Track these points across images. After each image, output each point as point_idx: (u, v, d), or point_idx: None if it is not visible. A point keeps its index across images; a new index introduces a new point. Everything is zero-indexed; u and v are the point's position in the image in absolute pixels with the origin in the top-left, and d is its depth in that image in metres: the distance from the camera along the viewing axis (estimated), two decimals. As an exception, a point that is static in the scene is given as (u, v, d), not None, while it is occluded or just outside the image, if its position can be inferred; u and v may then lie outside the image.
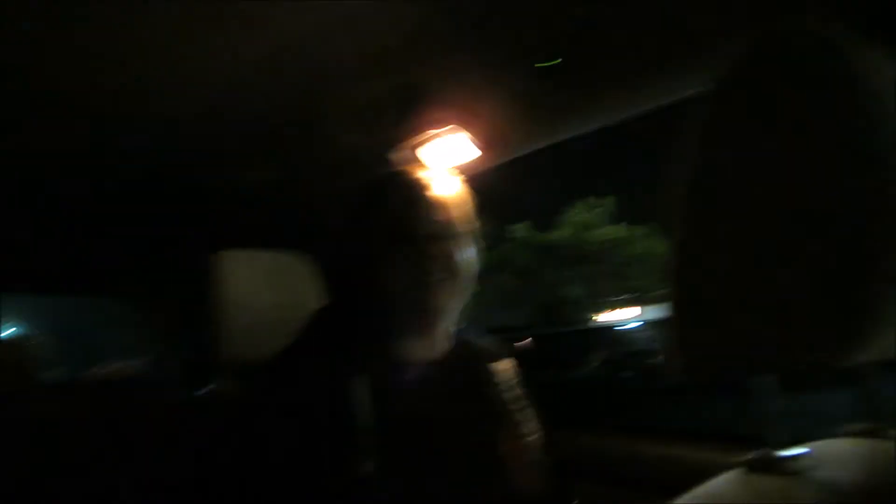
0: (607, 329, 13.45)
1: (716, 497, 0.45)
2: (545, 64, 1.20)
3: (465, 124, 1.49)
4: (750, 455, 0.50)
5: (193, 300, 1.37)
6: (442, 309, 1.03)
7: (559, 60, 1.19)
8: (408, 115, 1.52)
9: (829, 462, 0.49)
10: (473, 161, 1.58)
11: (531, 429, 1.11)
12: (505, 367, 1.15)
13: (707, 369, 0.49)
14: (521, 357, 1.19)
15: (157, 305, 3.04)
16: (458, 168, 1.62)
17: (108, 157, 1.64)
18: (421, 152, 1.59)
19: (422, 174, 1.10)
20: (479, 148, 1.54)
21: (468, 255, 1.07)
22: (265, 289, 1.39)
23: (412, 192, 1.06)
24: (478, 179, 1.71)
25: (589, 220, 19.84)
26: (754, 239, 0.44)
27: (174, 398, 1.38)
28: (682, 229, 0.47)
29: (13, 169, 1.65)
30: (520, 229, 20.09)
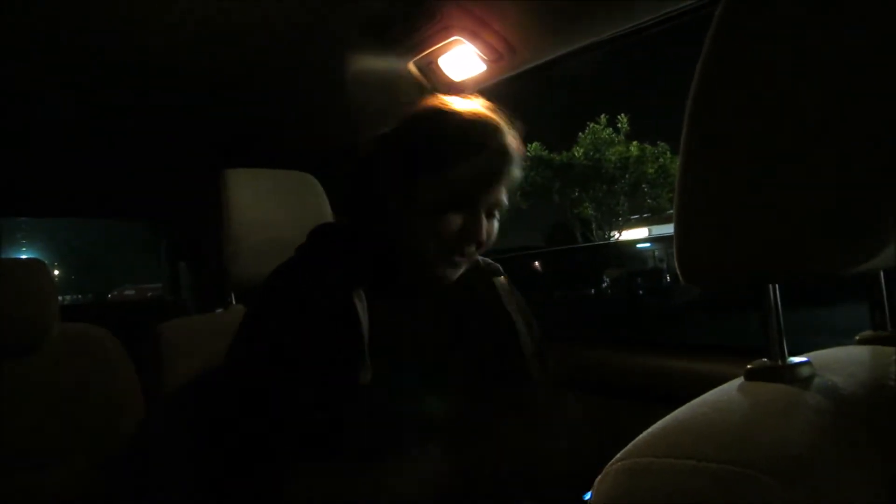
0: (620, 247, 13.48)
1: (714, 406, 0.45)
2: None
3: (471, 37, 1.44)
4: (749, 365, 0.50)
5: (205, 220, 1.37)
6: (457, 274, 1.01)
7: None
8: (414, 28, 1.47)
9: (831, 370, 0.50)
10: (481, 75, 1.54)
11: (536, 343, 1.13)
12: (505, 283, 1.17)
13: (715, 279, 0.49)
14: (534, 275, 1.20)
15: (171, 226, 3.07)
16: (465, 82, 1.59)
17: (123, 77, 1.61)
18: (431, 66, 1.56)
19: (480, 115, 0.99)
20: (486, 62, 1.49)
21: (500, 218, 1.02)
22: (273, 207, 1.40)
23: (483, 144, 0.95)
24: (486, 95, 1.69)
25: (602, 140, 19.53)
26: (763, 147, 0.42)
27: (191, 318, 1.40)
28: (690, 138, 0.46)
29: (27, 91, 1.63)
30: (532, 149, 19.85)
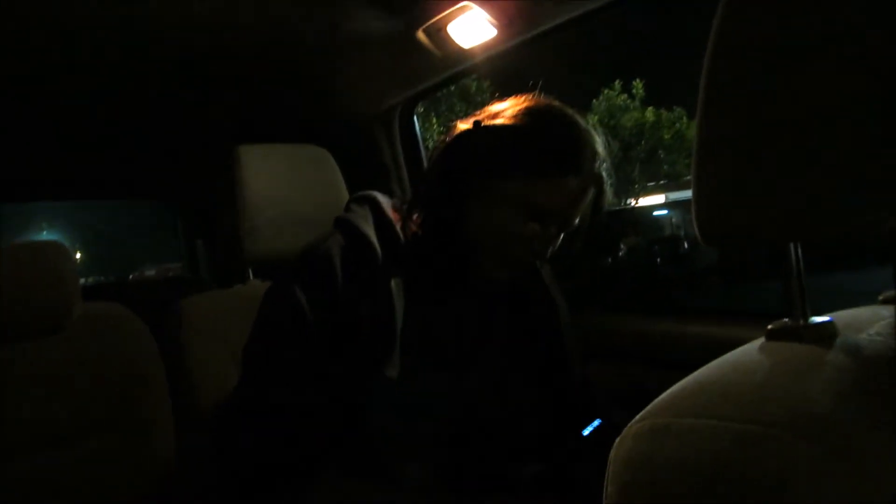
0: (637, 213, 13.37)
1: (735, 366, 0.45)
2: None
3: (481, 0, 1.41)
4: (770, 325, 0.49)
5: (219, 197, 1.37)
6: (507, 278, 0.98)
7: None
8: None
9: (854, 329, 0.49)
10: (491, 41, 1.52)
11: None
12: (549, 270, 1.14)
13: (735, 239, 0.48)
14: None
15: (187, 205, 3.09)
16: (474, 49, 1.56)
17: (136, 57, 1.61)
18: (440, 34, 1.53)
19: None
20: (496, 26, 1.47)
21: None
22: (287, 181, 1.39)
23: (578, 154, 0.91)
24: (496, 62, 1.67)
25: (617, 106, 19.25)
26: (783, 104, 0.41)
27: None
28: (709, 97, 0.45)
29: (39, 75, 1.64)
30: (546, 117, 19.63)
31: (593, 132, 0.94)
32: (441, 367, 0.93)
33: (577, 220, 0.95)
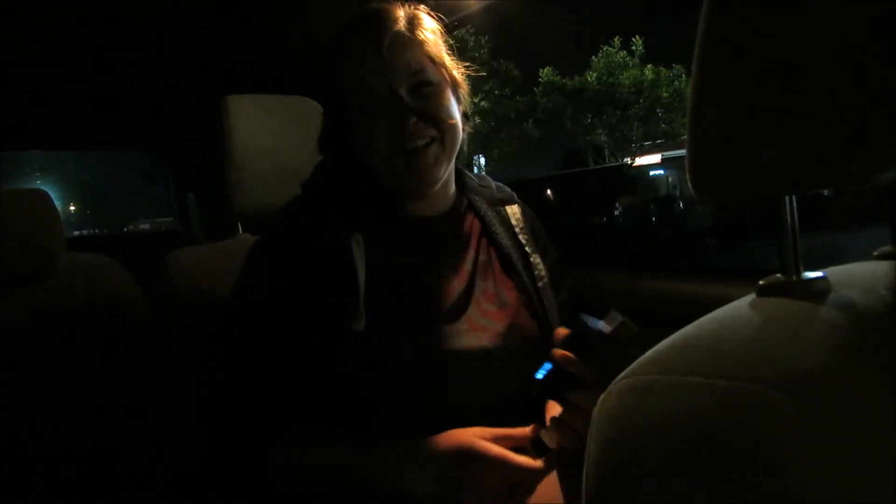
0: (634, 172, 13.33)
1: (723, 322, 0.44)
2: None
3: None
4: (762, 281, 0.48)
5: (208, 149, 1.35)
6: (429, 165, 0.95)
7: None
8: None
9: (848, 285, 0.48)
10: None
11: (551, 270, 1.10)
12: (517, 210, 1.13)
13: (729, 192, 0.47)
14: (546, 202, 1.16)
15: (177, 157, 3.05)
16: (470, 2, 1.52)
17: (122, 8, 1.57)
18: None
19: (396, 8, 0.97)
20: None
21: (451, 102, 0.98)
22: (276, 133, 1.37)
23: (390, 36, 0.92)
24: (494, 16, 1.62)
25: (616, 63, 19.00)
26: (777, 54, 0.39)
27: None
28: (704, 47, 0.43)
29: (30, 27, 1.60)
30: (545, 74, 19.38)
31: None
32: (404, 317, 0.93)
33: (409, 67, 0.93)
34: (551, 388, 0.86)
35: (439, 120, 0.94)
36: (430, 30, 0.98)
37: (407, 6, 0.98)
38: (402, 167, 0.94)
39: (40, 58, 1.84)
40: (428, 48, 0.95)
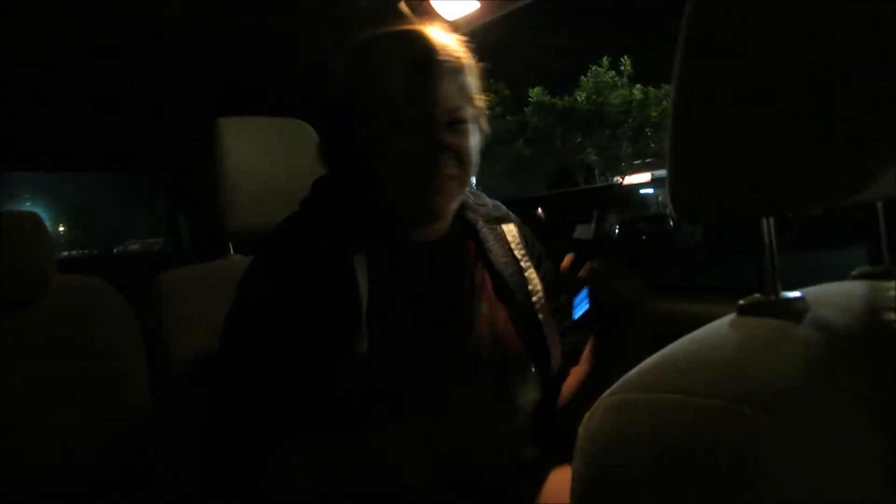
0: (624, 191, 13.39)
1: (703, 341, 0.45)
2: None
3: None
4: (742, 300, 0.49)
5: (202, 171, 1.35)
6: (447, 201, 0.96)
7: None
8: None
9: (825, 305, 0.49)
10: (475, 13, 1.49)
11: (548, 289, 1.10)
12: (513, 230, 1.13)
13: (709, 212, 0.48)
14: (538, 221, 1.17)
15: (168, 179, 3.05)
16: (458, 21, 1.54)
17: (115, 29, 1.58)
18: (423, 5, 1.51)
19: (426, 36, 0.93)
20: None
21: (476, 138, 0.97)
22: (268, 155, 1.38)
23: (422, 63, 0.89)
24: (482, 37, 1.64)
25: (605, 83, 19.15)
26: (756, 78, 0.41)
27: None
28: (684, 70, 0.44)
29: (21, 46, 1.60)
30: (535, 93, 19.50)
31: (395, 29, 0.95)
32: (407, 336, 0.93)
33: (451, 108, 0.91)
34: (597, 308, 0.90)
35: (468, 161, 0.94)
36: (468, 63, 0.96)
37: (437, 29, 0.96)
38: (420, 197, 0.93)
39: (30, 80, 1.84)
40: (467, 83, 0.94)
